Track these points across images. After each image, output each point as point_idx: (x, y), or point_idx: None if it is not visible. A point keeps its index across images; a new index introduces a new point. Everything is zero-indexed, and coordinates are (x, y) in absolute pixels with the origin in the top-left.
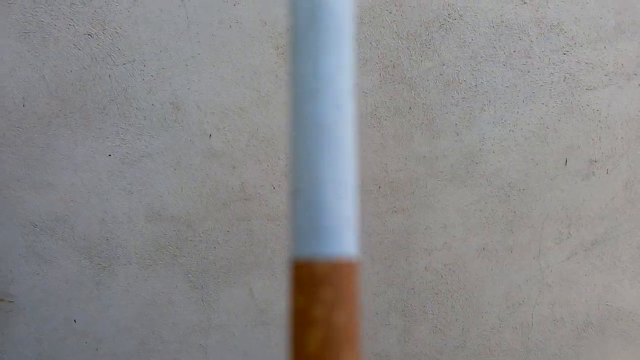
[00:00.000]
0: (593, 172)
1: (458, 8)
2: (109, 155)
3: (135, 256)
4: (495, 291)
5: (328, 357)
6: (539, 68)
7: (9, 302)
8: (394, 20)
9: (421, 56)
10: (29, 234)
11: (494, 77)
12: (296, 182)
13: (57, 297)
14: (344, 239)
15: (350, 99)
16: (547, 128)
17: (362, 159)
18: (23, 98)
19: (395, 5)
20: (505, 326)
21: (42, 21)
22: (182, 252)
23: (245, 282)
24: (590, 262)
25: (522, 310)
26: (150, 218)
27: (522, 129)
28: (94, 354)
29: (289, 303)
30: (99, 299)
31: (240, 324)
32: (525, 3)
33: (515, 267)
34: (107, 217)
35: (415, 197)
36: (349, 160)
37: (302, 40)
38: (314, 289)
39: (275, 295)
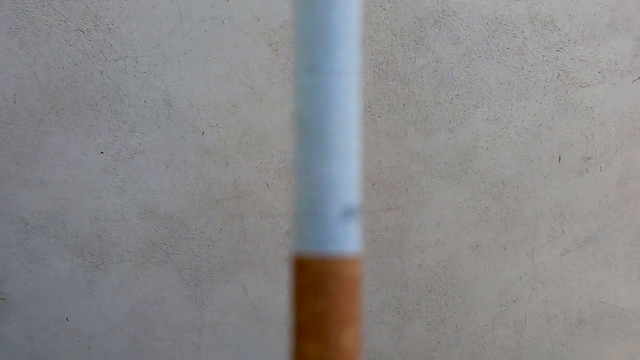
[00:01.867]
0: (586, 169)
1: (452, 5)
2: (101, 152)
3: (128, 254)
4: (489, 288)
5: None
6: (532, 65)
7: (1, 299)
8: (388, 17)
9: (415, 53)
10: (20, 231)
11: (488, 74)
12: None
13: (49, 295)
14: (348, 234)
15: (357, 98)
16: (541, 125)
17: None
18: (14, 95)
19: (389, 1)
20: (498, 323)
21: (34, 17)
22: (175, 250)
23: (239, 279)
24: (583, 259)
25: (516, 307)
26: (143, 215)
27: (515, 126)
28: (86, 352)
29: (292, 300)
30: (91, 296)
31: (234, 321)
32: (518, 0)
33: (508, 264)
34: (99, 214)
35: (409, 194)
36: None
37: None
38: (315, 284)
39: (269, 293)
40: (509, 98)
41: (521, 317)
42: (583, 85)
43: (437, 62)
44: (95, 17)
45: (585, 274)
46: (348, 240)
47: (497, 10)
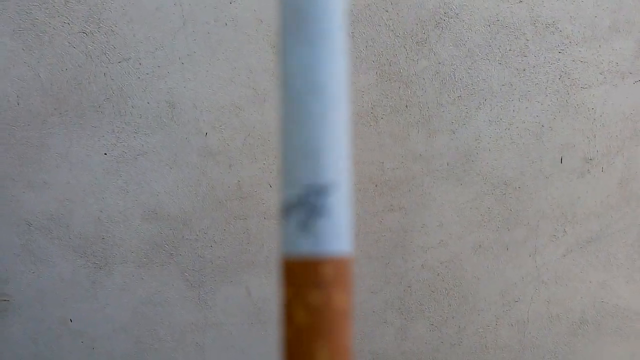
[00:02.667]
0: (588, 170)
1: (454, 7)
2: (105, 153)
3: (131, 255)
4: (491, 289)
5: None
6: (534, 66)
7: (4, 301)
8: (390, 19)
9: (417, 55)
10: (24, 233)
11: (490, 76)
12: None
13: (52, 296)
14: (339, 236)
15: (344, 103)
16: (543, 126)
17: (359, 158)
18: (17, 96)
19: (392, 3)
20: (501, 323)
21: (37, 19)
22: (179, 251)
23: (242, 280)
24: (585, 259)
25: (518, 307)
26: (146, 217)
27: (517, 127)
28: (90, 353)
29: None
30: (94, 298)
31: (237, 322)
32: (520, 2)
33: (511, 264)
34: (102, 216)
35: (412, 195)
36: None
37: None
38: (306, 284)
39: (272, 294)
40: (511, 99)
41: (524, 317)
42: (584, 86)
43: (440, 63)
44: (99, 19)
45: (587, 274)
46: (327, 240)
47: (499, 13)
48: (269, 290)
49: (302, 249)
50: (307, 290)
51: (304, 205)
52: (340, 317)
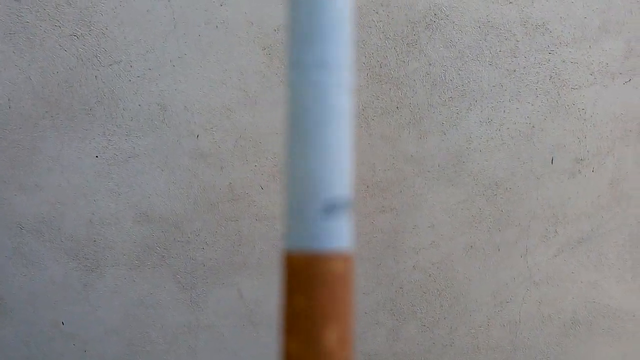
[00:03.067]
0: (579, 170)
1: (444, 8)
2: (96, 156)
3: (123, 257)
4: (483, 289)
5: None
6: (524, 67)
7: None
8: (381, 21)
9: (408, 56)
10: (15, 235)
11: (481, 77)
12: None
13: (44, 299)
14: (331, 231)
15: (348, 90)
16: (533, 127)
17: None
18: (9, 99)
19: (382, 5)
20: (493, 324)
21: (28, 22)
22: (170, 253)
23: (234, 282)
24: (576, 259)
25: (510, 308)
26: (138, 219)
27: (508, 128)
28: (82, 356)
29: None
30: (86, 300)
31: (229, 324)
32: (510, 3)
33: (502, 265)
34: (94, 218)
35: (403, 196)
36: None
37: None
38: (296, 281)
39: (264, 295)
40: (501, 100)
41: (515, 317)
42: (575, 87)
43: (430, 65)
44: (90, 22)
45: (578, 275)
46: (332, 237)
47: (489, 14)
48: (261, 292)
49: (314, 245)
50: (317, 282)
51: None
52: (347, 305)
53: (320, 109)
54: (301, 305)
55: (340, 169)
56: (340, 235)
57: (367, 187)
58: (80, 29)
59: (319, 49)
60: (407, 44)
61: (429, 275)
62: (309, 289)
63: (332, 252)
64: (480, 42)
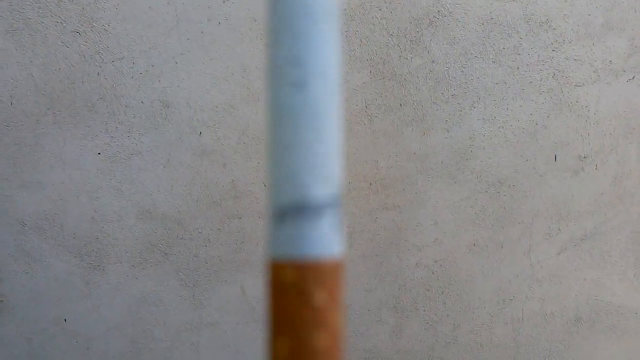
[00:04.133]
0: (582, 168)
1: (447, 5)
2: (99, 153)
3: (126, 255)
4: (486, 287)
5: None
6: (528, 65)
7: None
8: (384, 17)
9: (411, 53)
10: (18, 233)
11: (484, 74)
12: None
13: (46, 296)
14: (316, 237)
15: (336, 90)
16: (537, 124)
17: (353, 156)
18: (11, 96)
19: (385, 2)
20: (496, 321)
21: (30, 18)
22: (173, 251)
23: (237, 280)
24: (579, 257)
25: (513, 305)
26: (141, 216)
27: (511, 125)
28: (85, 353)
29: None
30: (89, 297)
31: (232, 321)
32: (514, 0)
33: (505, 262)
34: (96, 215)
35: (406, 193)
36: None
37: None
38: (280, 290)
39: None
40: (504, 98)
41: (518, 315)
42: (578, 84)
43: (433, 62)
44: (92, 18)
45: (581, 272)
46: (317, 243)
47: (492, 11)
48: (263, 290)
49: (308, 251)
50: (311, 290)
51: (297, 209)
52: (341, 313)
53: (302, 107)
54: (293, 315)
55: (325, 169)
56: (326, 241)
57: (370, 184)
58: (82, 25)
59: (299, 45)
60: (411, 40)
61: (432, 273)
62: (299, 297)
63: (327, 258)
64: (484, 39)
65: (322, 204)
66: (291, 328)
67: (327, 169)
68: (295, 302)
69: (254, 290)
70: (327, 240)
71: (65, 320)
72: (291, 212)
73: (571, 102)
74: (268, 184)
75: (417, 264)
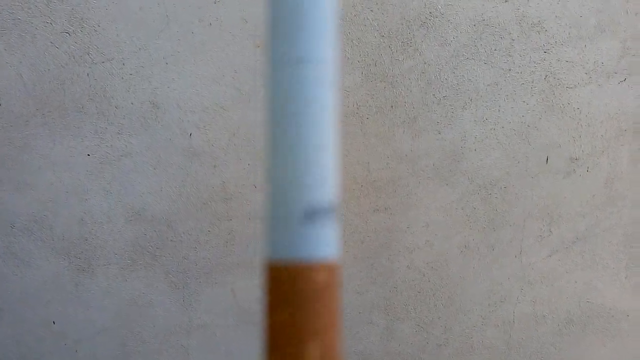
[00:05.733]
0: (574, 170)
1: (439, 6)
2: (88, 154)
3: (115, 257)
4: (477, 289)
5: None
6: (520, 66)
7: None
8: (376, 19)
9: (402, 54)
10: (6, 234)
11: (476, 76)
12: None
13: (35, 298)
14: (312, 239)
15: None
16: (528, 126)
17: (344, 158)
18: None
19: (377, 3)
20: (487, 324)
21: (19, 19)
22: (163, 252)
23: (227, 282)
24: (571, 259)
25: (504, 307)
26: (130, 218)
27: (503, 127)
28: (73, 355)
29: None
30: (78, 300)
31: (222, 324)
32: (506, 1)
33: (496, 265)
34: (86, 217)
35: (397, 195)
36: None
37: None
38: (278, 292)
39: (257, 295)
40: (496, 99)
41: (510, 317)
42: (570, 86)
43: (425, 63)
44: (82, 19)
45: (573, 274)
46: (315, 245)
47: (484, 12)
48: (254, 292)
49: (294, 254)
50: (298, 295)
51: (292, 211)
52: (331, 318)
53: (301, 109)
54: (282, 319)
55: (323, 171)
56: (324, 244)
57: (361, 186)
58: (72, 25)
59: (300, 44)
60: (402, 42)
61: (423, 275)
62: (289, 301)
63: (315, 261)
64: (476, 40)
65: (319, 207)
66: (286, 332)
67: (323, 171)
68: (290, 305)
69: (244, 292)
70: (322, 243)
71: (54, 322)
72: (286, 214)
73: (563, 104)
74: (264, 185)
75: (408, 266)
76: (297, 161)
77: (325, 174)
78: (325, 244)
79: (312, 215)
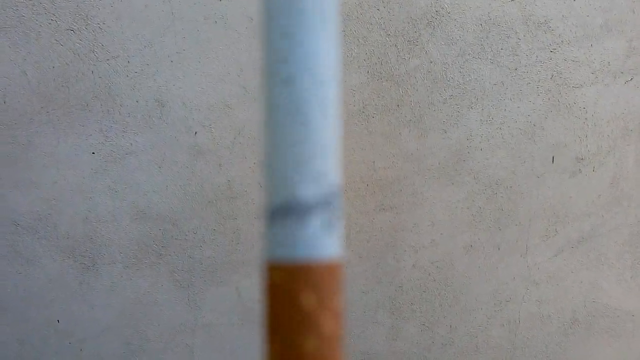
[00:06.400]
0: (580, 169)
1: (446, 5)
2: (93, 152)
3: (120, 255)
4: (483, 288)
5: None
6: (526, 66)
7: None
8: (382, 17)
9: (409, 53)
10: (11, 233)
11: (482, 75)
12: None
13: (39, 297)
14: (311, 238)
15: (335, 101)
16: (534, 126)
17: (350, 157)
18: (4, 95)
19: (383, 2)
20: (492, 323)
21: (24, 16)
22: (168, 251)
23: (232, 280)
24: (576, 259)
25: (510, 307)
26: (135, 217)
27: (509, 126)
28: (78, 354)
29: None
30: (82, 298)
31: (227, 323)
32: (512, 1)
33: (502, 264)
34: (90, 215)
35: (403, 194)
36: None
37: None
38: (294, 291)
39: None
40: (502, 99)
41: (515, 317)
42: (576, 86)
43: (431, 62)
44: (86, 16)
45: (578, 274)
46: (314, 245)
47: (490, 11)
48: (259, 291)
49: (295, 253)
50: (298, 293)
51: (285, 208)
52: (334, 317)
53: (289, 104)
54: (282, 317)
55: (314, 168)
56: (316, 242)
57: (367, 185)
58: (76, 23)
59: (298, 43)
60: (408, 41)
61: (429, 274)
62: (289, 301)
63: (315, 260)
64: (482, 40)
65: (311, 203)
66: (280, 331)
67: (316, 167)
68: (283, 304)
69: (249, 291)
70: (317, 241)
71: (58, 321)
72: (279, 212)
73: (569, 104)
74: (262, 183)
75: (413, 265)
76: (286, 157)
77: (317, 170)
78: (326, 243)
79: (300, 212)
